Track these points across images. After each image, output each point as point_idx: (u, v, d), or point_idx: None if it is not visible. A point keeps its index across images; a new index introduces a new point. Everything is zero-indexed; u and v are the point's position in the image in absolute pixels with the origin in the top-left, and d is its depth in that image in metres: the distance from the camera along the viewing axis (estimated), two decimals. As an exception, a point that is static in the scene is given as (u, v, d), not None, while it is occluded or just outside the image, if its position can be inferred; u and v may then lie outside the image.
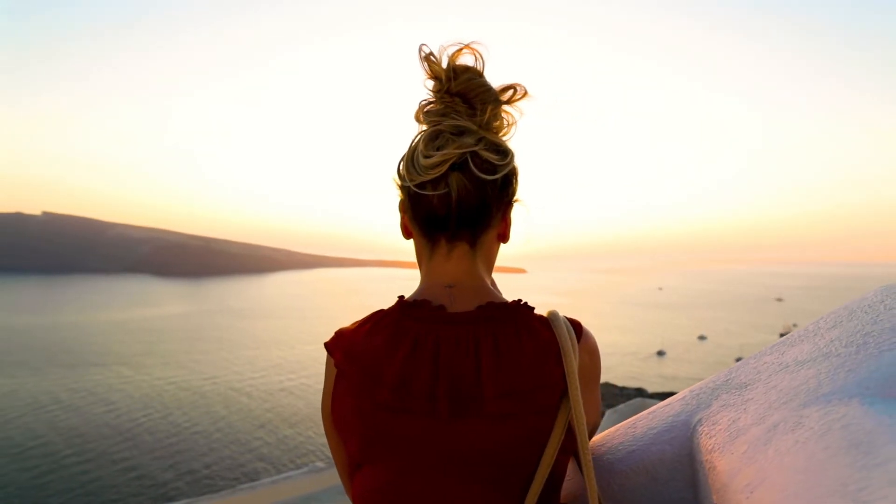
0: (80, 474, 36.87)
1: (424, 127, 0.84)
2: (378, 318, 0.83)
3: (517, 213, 0.90)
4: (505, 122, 0.85)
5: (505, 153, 0.83)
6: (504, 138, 0.86)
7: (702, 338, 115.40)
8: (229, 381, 65.07)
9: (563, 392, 0.77)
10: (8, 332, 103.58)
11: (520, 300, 0.85)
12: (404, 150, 0.85)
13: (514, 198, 0.88)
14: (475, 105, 0.81)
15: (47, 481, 35.80)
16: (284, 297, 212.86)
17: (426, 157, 0.79)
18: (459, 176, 0.79)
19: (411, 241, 0.91)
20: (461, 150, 0.78)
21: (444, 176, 0.79)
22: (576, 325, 0.84)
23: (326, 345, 0.86)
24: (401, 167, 0.85)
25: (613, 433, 1.02)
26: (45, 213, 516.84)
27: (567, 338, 0.79)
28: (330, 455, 0.99)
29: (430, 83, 0.84)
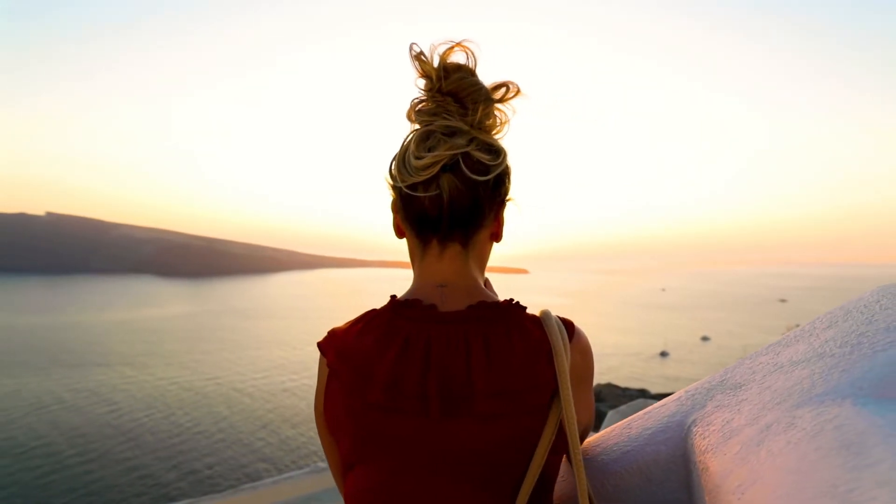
0: (82, 474, 36.88)
1: (416, 126, 0.83)
2: (370, 317, 0.83)
3: (510, 212, 0.89)
4: (498, 120, 0.84)
5: (497, 153, 0.82)
6: (497, 136, 0.85)
7: (705, 339, 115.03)
8: (232, 382, 65.04)
9: (554, 392, 0.77)
10: (11, 332, 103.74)
11: (511, 299, 0.84)
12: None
13: (507, 197, 0.88)
14: (467, 104, 0.80)
15: (50, 481, 35.82)
16: (287, 298, 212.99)
17: (417, 158, 0.78)
18: (451, 177, 0.78)
19: (405, 240, 0.90)
20: (452, 152, 0.77)
21: (436, 177, 0.78)
22: (568, 325, 0.84)
23: (319, 344, 0.86)
24: (392, 167, 0.84)
25: (609, 434, 1.01)
26: (49, 214, 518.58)
27: (558, 337, 0.78)
28: None
29: (421, 82, 0.83)
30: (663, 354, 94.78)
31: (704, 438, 0.76)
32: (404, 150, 0.81)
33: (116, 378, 65.62)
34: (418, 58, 0.81)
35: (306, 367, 74.43)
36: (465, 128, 0.79)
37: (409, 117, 0.84)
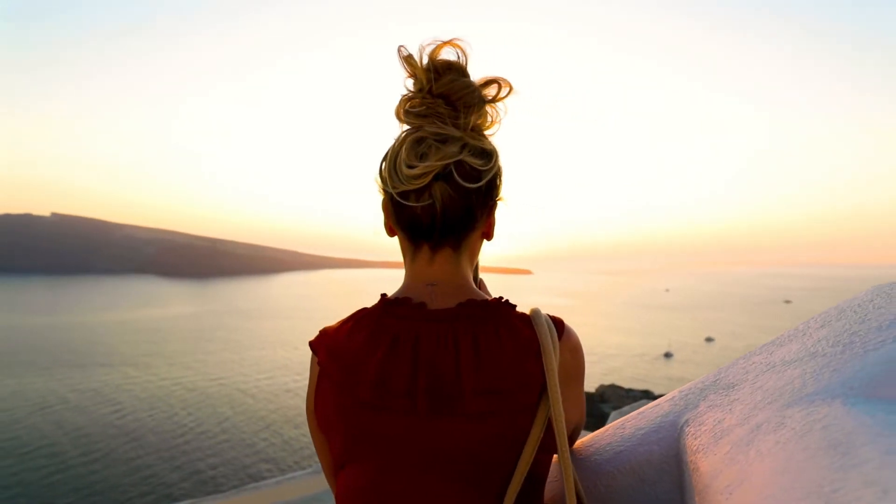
0: (86, 474, 36.99)
1: (406, 126, 0.82)
2: (360, 316, 0.83)
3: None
4: (489, 117, 0.83)
5: (489, 156, 0.81)
6: (489, 132, 0.84)
7: (709, 339, 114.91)
8: (235, 382, 65.18)
9: (542, 390, 0.77)
10: (16, 333, 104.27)
11: (501, 298, 0.84)
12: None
13: (499, 197, 0.87)
14: (458, 107, 0.79)
15: (54, 481, 35.93)
16: (290, 298, 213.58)
17: (409, 167, 0.77)
18: (444, 186, 0.78)
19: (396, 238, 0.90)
20: (444, 162, 0.76)
21: (428, 186, 0.78)
22: (558, 323, 0.83)
23: (311, 343, 0.86)
24: (383, 170, 0.83)
25: (602, 433, 1.01)
26: (54, 214, 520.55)
27: (547, 335, 0.78)
28: None
29: (411, 82, 0.82)
30: (667, 355, 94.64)
31: (696, 438, 0.75)
32: (395, 155, 0.80)
33: (120, 378, 65.84)
34: (408, 60, 0.80)
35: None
36: (457, 134, 0.78)
37: (397, 115, 0.83)
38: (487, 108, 0.82)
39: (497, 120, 0.84)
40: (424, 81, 0.79)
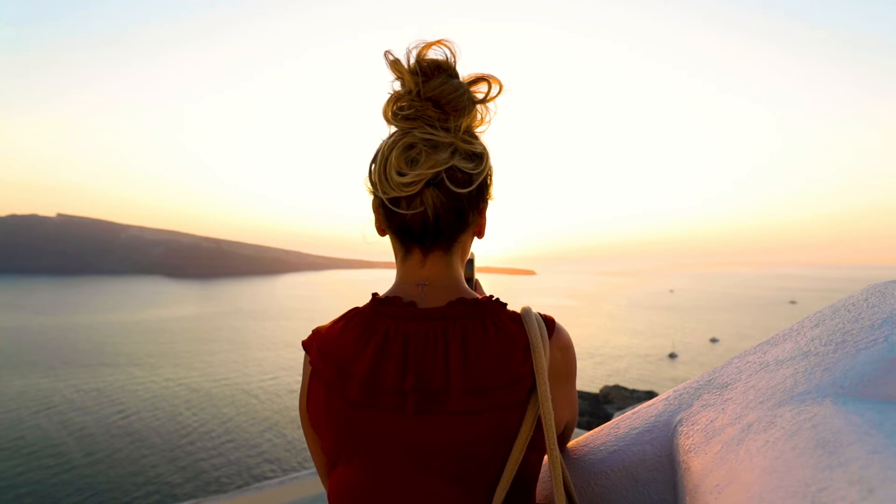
0: (91, 475, 36.99)
1: (394, 128, 0.81)
2: (351, 315, 0.83)
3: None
4: (479, 115, 0.82)
5: (480, 157, 0.81)
6: (480, 130, 0.83)
7: (714, 340, 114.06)
8: (239, 383, 65.17)
9: (531, 388, 0.76)
10: (22, 333, 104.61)
11: (491, 296, 0.84)
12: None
13: (490, 196, 0.87)
14: (447, 111, 0.78)
15: (59, 481, 35.95)
16: (295, 299, 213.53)
17: (399, 174, 0.76)
18: (435, 192, 0.77)
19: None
20: (435, 170, 0.75)
21: (419, 193, 0.77)
22: (548, 321, 0.83)
23: (304, 343, 0.86)
24: (372, 173, 0.82)
25: (597, 433, 1.01)
26: (60, 215, 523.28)
27: (537, 333, 0.77)
28: None
29: (398, 84, 0.80)
30: (672, 356, 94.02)
31: (688, 438, 0.75)
32: (385, 159, 0.78)
33: (125, 379, 65.94)
34: (394, 64, 0.78)
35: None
36: (448, 139, 0.77)
37: (385, 116, 0.81)
38: (478, 106, 0.81)
39: (488, 119, 0.83)
40: (412, 85, 0.78)
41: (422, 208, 0.78)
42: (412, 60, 0.78)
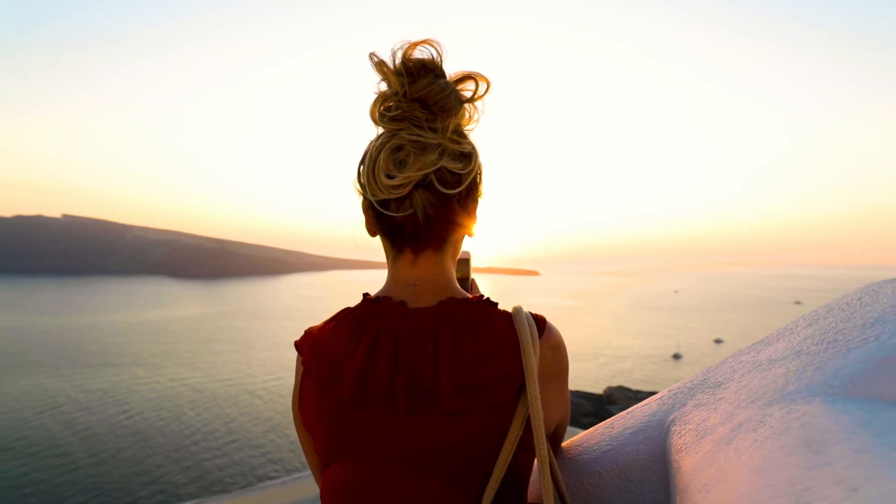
0: (95, 475, 37.08)
1: (381, 129, 0.80)
2: (343, 315, 0.84)
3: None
4: (467, 113, 0.81)
5: (469, 157, 0.80)
6: (469, 128, 0.83)
7: (718, 341, 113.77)
8: (242, 383, 65.24)
9: (521, 387, 0.76)
10: (26, 333, 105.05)
11: (482, 296, 0.84)
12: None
13: (480, 195, 0.86)
14: (435, 112, 0.77)
15: (63, 481, 36.04)
16: (298, 299, 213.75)
17: (388, 176, 0.76)
18: (424, 193, 0.77)
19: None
20: (423, 172, 0.75)
21: (408, 195, 0.77)
22: (539, 321, 0.83)
23: (296, 343, 0.87)
24: (361, 175, 0.81)
25: (591, 433, 1.01)
26: (65, 216, 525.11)
27: (527, 332, 0.77)
28: None
29: (384, 85, 0.79)
30: (676, 357, 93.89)
31: (681, 437, 0.76)
32: (373, 161, 0.78)
33: (129, 379, 66.09)
34: (379, 66, 0.77)
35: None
36: (436, 140, 0.76)
37: (372, 117, 0.81)
38: (466, 105, 0.80)
39: (476, 117, 0.82)
40: (398, 86, 0.77)
41: (411, 210, 0.77)
42: (398, 61, 0.77)
